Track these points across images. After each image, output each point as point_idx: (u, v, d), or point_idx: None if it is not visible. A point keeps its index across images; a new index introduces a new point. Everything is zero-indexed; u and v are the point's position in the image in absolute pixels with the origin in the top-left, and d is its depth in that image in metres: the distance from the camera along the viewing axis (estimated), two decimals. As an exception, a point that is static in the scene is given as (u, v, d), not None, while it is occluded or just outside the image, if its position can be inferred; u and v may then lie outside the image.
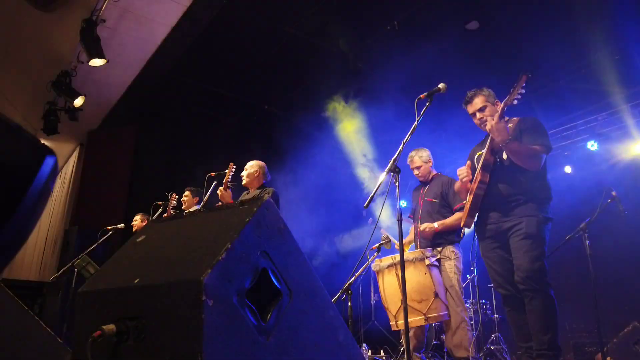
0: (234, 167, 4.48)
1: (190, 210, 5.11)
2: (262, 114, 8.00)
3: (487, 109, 3.02)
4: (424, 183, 4.23)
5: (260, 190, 4.43)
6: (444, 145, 7.19)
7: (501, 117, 2.86)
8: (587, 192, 6.36)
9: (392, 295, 3.70)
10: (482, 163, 3.00)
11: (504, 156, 2.97)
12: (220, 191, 4.37)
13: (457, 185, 3.23)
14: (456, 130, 6.90)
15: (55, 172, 0.86)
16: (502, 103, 2.88)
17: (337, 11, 5.61)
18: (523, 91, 2.79)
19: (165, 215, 5.11)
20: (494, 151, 3.01)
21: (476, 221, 3.12)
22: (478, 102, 3.06)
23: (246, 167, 4.56)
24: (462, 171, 3.09)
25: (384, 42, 6.06)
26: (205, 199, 4.65)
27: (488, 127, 2.87)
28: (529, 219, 2.83)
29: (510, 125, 2.98)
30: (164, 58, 6.09)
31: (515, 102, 2.83)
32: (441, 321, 3.89)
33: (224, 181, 4.41)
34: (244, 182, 4.50)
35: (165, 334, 1.24)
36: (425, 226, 3.91)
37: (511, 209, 2.91)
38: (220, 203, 4.44)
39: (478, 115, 3.05)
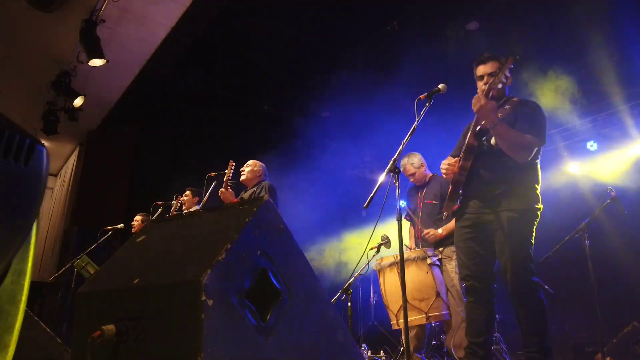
0: (234, 164, 4.48)
1: (190, 210, 5.11)
2: (262, 114, 8.00)
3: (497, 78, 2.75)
4: (420, 185, 4.24)
5: (256, 186, 4.46)
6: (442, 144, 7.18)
7: (486, 97, 2.65)
8: (587, 192, 6.37)
9: (393, 294, 3.70)
10: (465, 147, 2.80)
11: (492, 141, 2.77)
12: (221, 192, 4.37)
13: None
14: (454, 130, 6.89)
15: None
16: (488, 85, 2.67)
17: (337, 11, 5.61)
18: (509, 74, 2.63)
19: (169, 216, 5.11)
20: (480, 134, 2.80)
21: (457, 208, 2.94)
22: (491, 65, 2.81)
23: (248, 163, 4.61)
24: (444, 165, 2.91)
25: (384, 42, 6.06)
26: (205, 199, 4.65)
27: (475, 106, 2.65)
28: (512, 213, 2.65)
29: (507, 106, 2.74)
30: (164, 58, 6.09)
31: (500, 85, 2.66)
32: (441, 321, 3.89)
33: (225, 180, 4.40)
34: (243, 178, 4.51)
35: (165, 334, 1.24)
36: (429, 232, 3.90)
37: (494, 199, 2.72)
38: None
39: (485, 79, 2.81)
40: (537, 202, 2.74)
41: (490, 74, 2.80)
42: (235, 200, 4.33)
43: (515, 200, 2.69)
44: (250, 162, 4.63)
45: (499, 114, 2.68)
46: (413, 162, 4.17)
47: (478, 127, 2.80)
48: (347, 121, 7.08)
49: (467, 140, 2.82)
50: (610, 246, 5.79)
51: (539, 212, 2.74)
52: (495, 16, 5.54)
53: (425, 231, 3.95)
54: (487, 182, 2.76)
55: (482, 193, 2.79)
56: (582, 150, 6.71)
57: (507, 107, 2.75)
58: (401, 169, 4.20)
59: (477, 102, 2.65)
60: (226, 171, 4.47)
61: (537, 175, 2.81)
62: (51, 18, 5.38)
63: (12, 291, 0.83)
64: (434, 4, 5.46)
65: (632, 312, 5.27)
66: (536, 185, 2.78)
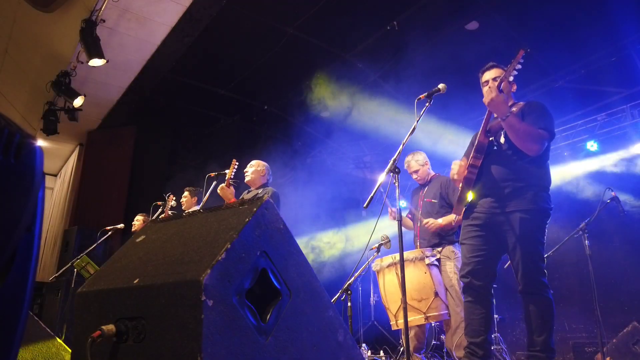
0: (237, 163, 4.44)
1: (190, 210, 5.10)
2: (262, 114, 8.00)
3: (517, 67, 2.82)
4: (422, 185, 4.24)
5: (261, 189, 4.42)
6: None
7: (499, 90, 2.71)
8: (587, 192, 6.37)
9: (392, 294, 3.70)
10: (476, 146, 2.84)
11: (502, 140, 2.81)
12: (221, 188, 4.34)
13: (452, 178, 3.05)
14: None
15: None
16: (500, 78, 2.75)
17: (337, 11, 5.61)
18: (519, 66, 2.70)
19: (162, 216, 5.11)
20: (490, 132, 2.84)
21: (466, 206, 2.95)
22: (495, 72, 2.90)
23: (251, 163, 4.54)
24: (454, 167, 2.94)
25: (383, 42, 6.06)
26: (205, 199, 4.64)
27: (487, 98, 2.69)
28: (523, 214, 2.68)
29: (514, 109, 2.83)
30: (163, 58, 6.09)
31: (511, 78, 2.74)
32: (441, 321, 3.89)
33: (227, 178, 4.38)
34: (247, 179, 4.46)
35: (165, 334, 1.24)
36: (429, 221, 3.88)
37: (505, 197, 2.73)
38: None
39: (490, 83, 2.88)
40: (548, 202, 2.76)
41: (494, 79, 2.86)
42: (234, 199, 4.31)
43: (527, 200, 2.70)
44: (253, 162, 4.57)
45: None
46: (418, 159, 4.17)
47: (488, 126, 2.83)
48: (347, 121, 7.08)
49: (477, 139, 2.85)
50: (610, 246, 5.79)
51: (550, 212, 2.75)
52: (495, 16, 5.54)
53: (425, 220, 3.92)
54: (498, 181, 2.78)
55: (493, 192, 2.80)
56: (582, 150, 6.71)
57: (514, 109, 2.82)
58: (405, 166, 4.21)
59: (489, 94, 2.68)
60: (227, 171, 4.46)
61: (548, 175, 2.83)
62: (51, 18, 5.38)
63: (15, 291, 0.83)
64: (435, 4, 5.46)
65: (632, 312, 5.28)
66: (547, 186, 2.80)
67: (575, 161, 6.80)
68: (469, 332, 2.78)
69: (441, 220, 3.85)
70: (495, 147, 2.85)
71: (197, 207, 5.23)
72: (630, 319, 4.58)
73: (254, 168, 4.50)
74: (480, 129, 2.87)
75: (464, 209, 2.93)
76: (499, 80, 2.75)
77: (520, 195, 2.72)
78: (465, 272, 2.83)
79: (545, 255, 4.52)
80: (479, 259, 2.79)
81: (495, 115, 2.85)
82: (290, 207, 6.96)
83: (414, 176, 4.21)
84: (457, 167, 2.96)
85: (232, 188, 4.37)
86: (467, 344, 2.79)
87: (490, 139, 2.87)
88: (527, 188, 2.72)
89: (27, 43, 6.08)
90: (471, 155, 2.86)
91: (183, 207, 5.33)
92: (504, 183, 2.76)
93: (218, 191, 4.34)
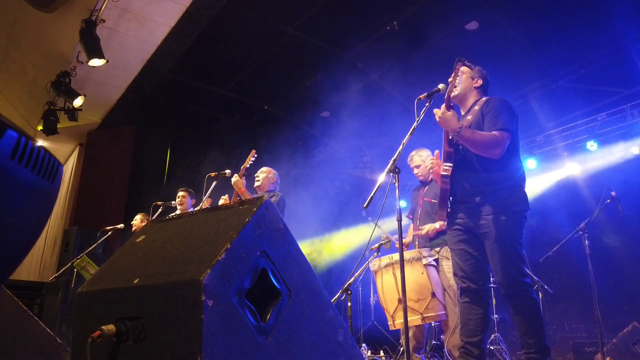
0: (255, 155, 4.50)
1: (188, 211, 5.09)
2: (262, 114, 8.00)
3: (460, 77, 2.85)
4: (423, 183, 4.23)
5: (266, 194, 4.45)
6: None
7: (448, 107, 2.72)
8: (587, 192, 6.37)
9: (389, 295, 3.69)
10: (444, 157, 2.87)
11: None
12: (235, 177, 4.39)
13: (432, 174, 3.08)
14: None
15: (21, 151, 0.80)
16: (447, 92, 2.75)
17: (337, 11, 5.61)
18: (459, 79, 2.77)
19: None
20: (453, 140, 2.85)
21: (448, 212, 2.98)
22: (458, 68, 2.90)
23: (263, 170, 4.63)
24: (427, 162, 3.00)
25: (383, 42, 6.06)
26: (204, 199, 4.65)
27: (437, 118, 2.72)
28: (499, 216, 2.67)
29: (476, 107, 2.85)
30: (163, 58, 6.09)
31: (456, 91, 2.83)
32: (439, 321, 3.89)
33: (242, 167, 4.44)
34: (257, 183, 4.53)
35: (165, 334, 1.24)
36: (427, 227, 3.89)
37: (479, 202, 2.75)
38: (222, 202, 4.45)
39: (452, 76, 2.89)
40: (524, 201, 2.75)
41: (456, 72, 2.87)
42: (244, 190, 4.35)
43: (500, 202, 2.70)
44: (264, 168, 4.65)
45: (469, 116, 2.78)
46: (421, 155, 4.17)
47: (450, 135, 2.83)
48: (347, 121, 7.09)
49: (443, 149, 2.87)
50: (610, 246, 5.79)
51: (526, 213, 2.75)
52: (495, 16, 5.54)
53: (421, 228, 3.94)
54: (470, 187, 2.80)
55: (468, 198, 2.82)
56: (582, 150, 6.71)
57: (475, 107, 2.83)
58: (408, 160, 4.21)
59: (436, 115, 2.72)
60: (227, 171, 4.50)
61: (519, 173, 2.81)
62: (51, 18, 5.38)
63: None
64: (435, 4, 5.46)
65: (632, 312, 5.28)
66: (521, 183, 2.79)
67: (575, 161, 6.80)
68: (465, 332, 2.77)
69: (438, 225, 3.85)
70: (462, 154, 2.85)
71: (191, 209, 5.22)
72: (630, 319, 4.58)
73: (265, 174, 4.58)
74: (443, 138, 2.87)
75: (446, 214, 2.95)
76: (449, 87, 2.76)
77: (492, 198, 2.72)
78: (460, 276, 2.85)
79: (545, 256, 4.55)
80: (471, 262, 2.80)
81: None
82: (290, 207, 6.97)
83: (415, 171, 4.21)
84: (432, 161, 2.99)
85: (244, 179, 4.41)
86: (462, 343, 2.77)
87: (460, 147, 2.86)
88: (498, 190, 2.72)
89: (27, 43, 6.08)
90: (442, 167, 2.87)
91: (180, 209, 5.30)
92: (476, 188, 2.77)
93: (232, 180, 4.37)
